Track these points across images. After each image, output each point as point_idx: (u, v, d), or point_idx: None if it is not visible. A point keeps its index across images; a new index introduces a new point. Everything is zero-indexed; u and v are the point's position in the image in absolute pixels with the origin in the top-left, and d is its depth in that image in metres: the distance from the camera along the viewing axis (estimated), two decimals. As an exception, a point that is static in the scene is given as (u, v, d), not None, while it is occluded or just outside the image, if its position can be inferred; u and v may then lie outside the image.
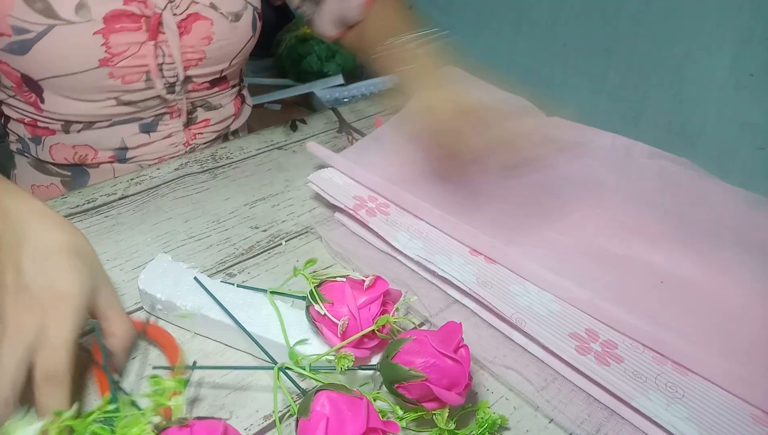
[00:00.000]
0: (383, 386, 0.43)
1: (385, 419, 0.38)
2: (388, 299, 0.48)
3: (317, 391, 0.39)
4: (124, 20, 0.65)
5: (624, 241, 0.63)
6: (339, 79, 2.01)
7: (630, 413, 0.47)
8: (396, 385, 0.41)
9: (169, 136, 0.79)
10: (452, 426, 0.41)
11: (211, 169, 0.75)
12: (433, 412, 0.41)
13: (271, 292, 0.50)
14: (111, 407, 0.37)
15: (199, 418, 0.37)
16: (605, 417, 0.47)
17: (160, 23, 0.67)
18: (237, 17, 0.74)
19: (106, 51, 0.64)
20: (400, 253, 0.60)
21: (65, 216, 0.64)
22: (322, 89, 1.91)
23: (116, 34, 0.64)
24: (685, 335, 0.51)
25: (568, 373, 0.50)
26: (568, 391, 0.49)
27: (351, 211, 0.62)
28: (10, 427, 0.34)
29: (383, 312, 0.46)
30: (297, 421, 0.39)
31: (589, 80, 1.25)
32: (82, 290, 0.42)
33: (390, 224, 0.61)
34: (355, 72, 2.05)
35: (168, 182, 0.72)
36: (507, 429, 0.45)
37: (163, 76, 0.71)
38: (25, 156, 0.79)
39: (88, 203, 0.67)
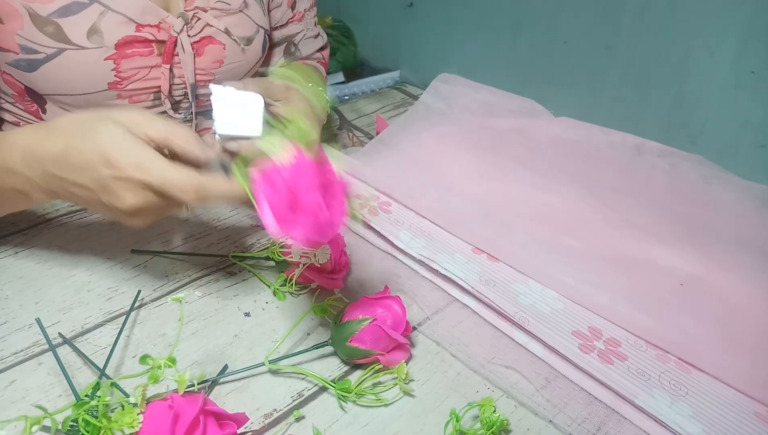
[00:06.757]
0: None
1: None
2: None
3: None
4: (136, 45, 0.64)
5: (640, 244, 0.63)
6: (339, 77, 2.01)
7: (630, 412, 0.46)
8: (350, 341, 0.47)
9: None
10: (409, 380, 0.47)
11: (211, 167, 0.74)
12: (392, 369, 0.47)
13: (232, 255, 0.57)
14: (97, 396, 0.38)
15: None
16: (605, 415, 0.47)
17: (174, 46, 0.67)
18: (249, 41, 0.73)
19: (115, 75, 0.64)
20: (402, 252, 0.59)
21: (65, 214, 0.64)
22: (322, 87, 1.90)
23: (127, 59, 0.64)
24: (704, 337, 0.51)
25: (569, 371, 0.50)
26: (569, 389, 0.49)
27: (352, 210, 0.62)
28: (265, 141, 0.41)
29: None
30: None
31: (589, 78, 1.25)
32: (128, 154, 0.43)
33: (392, 223, 0.61)
34: (355, 70, 2.04)
35: (168, 180, 0.71)
36: (508, 429, 0.45)
37: (171, 96, 0.71)
38: None
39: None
